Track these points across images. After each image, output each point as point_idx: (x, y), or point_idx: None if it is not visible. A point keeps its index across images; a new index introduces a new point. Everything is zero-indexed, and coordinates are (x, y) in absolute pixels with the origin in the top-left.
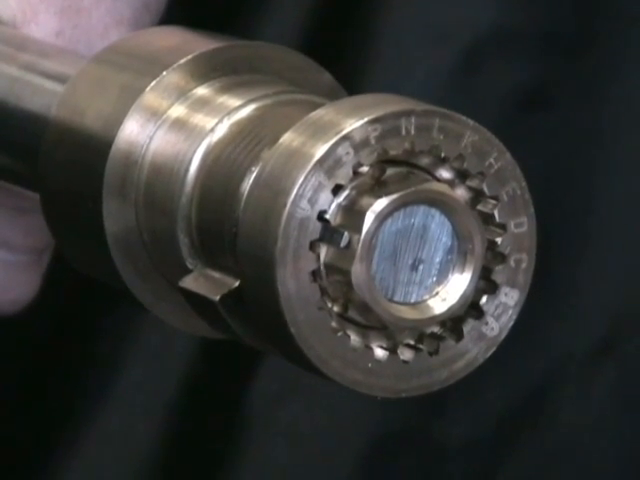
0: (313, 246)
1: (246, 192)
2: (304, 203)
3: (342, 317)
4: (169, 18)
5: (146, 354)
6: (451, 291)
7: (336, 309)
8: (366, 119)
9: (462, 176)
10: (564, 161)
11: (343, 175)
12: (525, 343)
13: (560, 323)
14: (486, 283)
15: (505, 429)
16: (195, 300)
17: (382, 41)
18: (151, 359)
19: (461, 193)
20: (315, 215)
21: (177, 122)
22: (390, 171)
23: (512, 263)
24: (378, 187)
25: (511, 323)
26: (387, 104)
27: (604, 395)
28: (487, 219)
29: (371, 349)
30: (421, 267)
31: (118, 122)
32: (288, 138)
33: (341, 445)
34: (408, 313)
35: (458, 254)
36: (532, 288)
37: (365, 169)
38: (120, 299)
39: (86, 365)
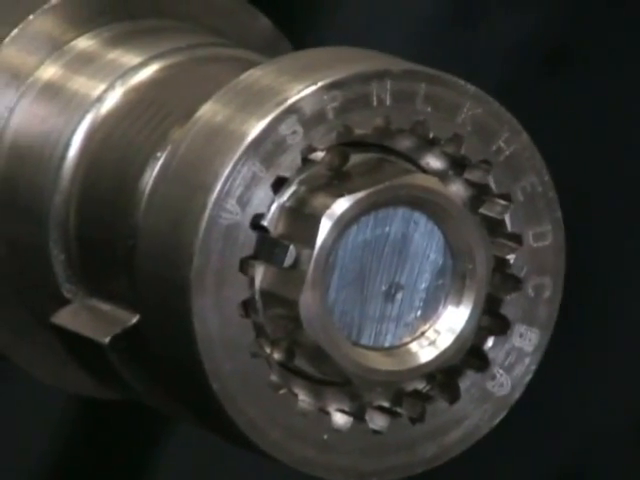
0: (244, 266)
1: (148, 188)
2: (232, 204)
3: (286, 368)
4: None
5: (6, 425)
6: (442, 331)
7: (277, 356)
8: (321, 84)
9: (459, 166)
10: (593, 145)
11: (288, 164)
12: (550, 416)
13: (593, 393)
14: (493, 319)
15: None
16: (74, 343)
17: None
18: (13, 431)
19: (457, 190)
20: (248, 221)
21: (49, 87)
22: (355, 158)
23: (530, 291)
24: (338, 181)
25: (528, 377)
26: (352, 62)
27: None
28: (494, 227)
29: (328, 414)
30: (399, 296)
31: None
32: (208, 111)
33: None
34: (380, 362)
35: (453, 278)
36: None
37: (319, 155)
38: None
39: None
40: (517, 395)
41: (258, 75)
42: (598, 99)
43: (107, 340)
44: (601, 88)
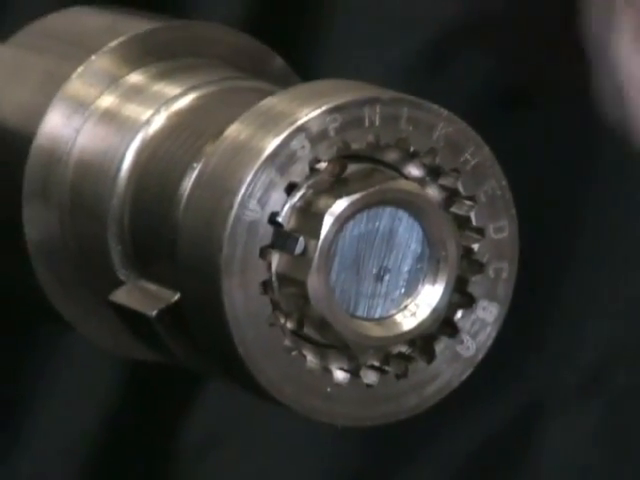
0: (263, 253)
1: (186, 192)
2: (253, 204)
3: (297, 335)
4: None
5: (64, 386)
6: (421, 305)
7: (290, 325)
8: (324, 108)
9: (434, 173)
10: (547, 167)
11: (298, 172)
12: (505, 371)
13: (544, 351)
14: (461, 296)
15: (482, 468)
16: (128, 316)
17: (337, 27)
18: (70, 392)
19: (433, 193)
20: (266, 218)
21: (107, 113)
22: (352, 168)
23: (491, 273)
24: (338, 186)
25: (490, 342)
26: (348, 91)
27: (590, 430)
28: (462, 223)
29: (330, 372)
30: (387, 277)
31: (39, 114)
32: (234, 130)
33: None
34: (372, 330)
35: (429, 262)
36: (513, 305)
37: (323, 165)
38: (36, 331)
39: None
40: (481, 356)
41: (274, 102)
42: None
43: (154, 314)
44: (556, 126)
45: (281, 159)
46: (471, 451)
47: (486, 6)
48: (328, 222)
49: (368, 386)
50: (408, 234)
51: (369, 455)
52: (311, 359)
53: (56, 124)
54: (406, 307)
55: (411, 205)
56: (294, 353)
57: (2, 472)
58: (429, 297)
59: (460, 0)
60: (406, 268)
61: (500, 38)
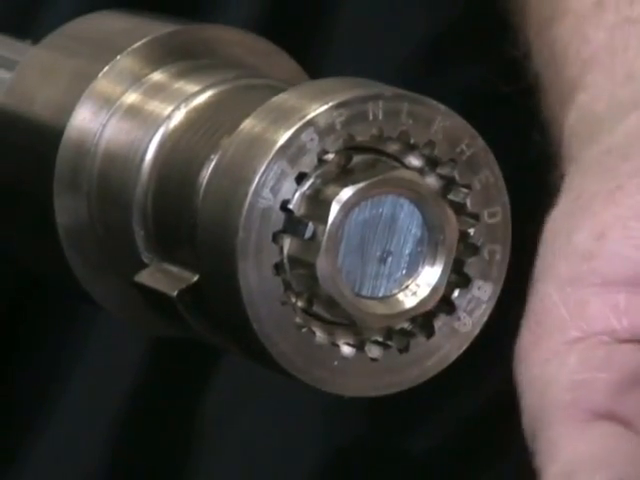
0: (276, 238)
1: (205, 181)
2: (266, 192)
3: (307, 312)
4: (122, 3)
5: (93, 360)
6: (421, 284)
7: (300, 304)
8: (331, 103)
9: (432, 163)
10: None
11: (307, 163)
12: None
13: None
14: (458, 276)
15: (474, 439)
16: (151, 296)
17: (341, 30)
18: (98, 364)
19: (431, 181)
20: (278, 205)
21: (131, 109)
22: (357, 158)
23: (485, 255)
24: (344, 175)
25: (485, 318)
26: (353, 88)
27: None
28: (459, 209)
29: (337, 346)
30: (390, 259)
31: (69, 110)
32: (249, 124)
33: (293, 461)
34: (376, 308)
35: (429, 246)
36: (506, 285)
37: (330, 156)
38: (62, 306)
39: (27, 375)
40: (476, 331)
41: (285, 98)
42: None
43: (175, 293)
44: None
45: (292, 151)
46: (470, 416)
47: (481, 7)
48: (335, 209)
49: (372, 360)
50: (409, 219)
51: (371, 423)
52: (320, 335)
53: (84, 119)
54: (407, 287)
55: (412, 193)
56: (304, 329)
57: (30, 438)
58: (429, 277)
59: (456, 1)
60: (407, 251)
61: (492, 39)
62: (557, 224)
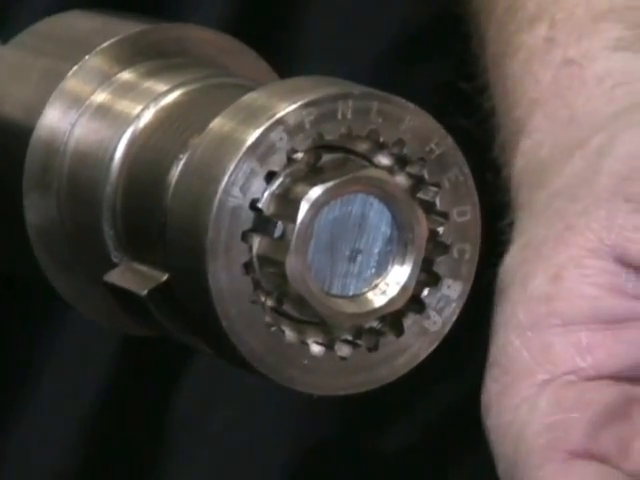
0: (245, 236)
1: (174, 180)
2: (236, 191)
3: (276, 311)
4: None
5: (63, 359)
6: (391, 283)
7: (270, 303)
8: (300, 102)
9: (402, 162)
10: None
11: (277, 162)
12: (467, 343)
13: None
14: (428, 275)
15: (445, 437)
16: (121, 295)
17: (310, 28)
18: (69, 364)
19: (401, 180)
20: (247, 204)
21: (101, 108)
22: (326, 157)
23: (455, 254)
24: (313, 174)
25: (454, 317)
26: (323, 87)
27: None
28: (428, 207)
29: (307, 345)
30: (359, 258)
31: (39, 109)
32: (218, 123)
33: (265, 457)
34: (346, 307)
35: (398, 244)
36: (475, 285)
37: (300, 155)
38: (32, 306)
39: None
40: (446, 330)
41: (255, 97)
42: None
43: (145, 293)
44: None
45: (261, 150)
46: (442, 415)
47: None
48: (304, 208)
49: (342, 358)
50: (378, 218)
51: (341, 422)
52: (289, 333)
53: (54, 118)
54: (377, 286)
55: (381, 191)
56: (273, 328)
57: (1, 438)
58: (398, 276)
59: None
60: (377, 250)
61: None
62: (511, 271)
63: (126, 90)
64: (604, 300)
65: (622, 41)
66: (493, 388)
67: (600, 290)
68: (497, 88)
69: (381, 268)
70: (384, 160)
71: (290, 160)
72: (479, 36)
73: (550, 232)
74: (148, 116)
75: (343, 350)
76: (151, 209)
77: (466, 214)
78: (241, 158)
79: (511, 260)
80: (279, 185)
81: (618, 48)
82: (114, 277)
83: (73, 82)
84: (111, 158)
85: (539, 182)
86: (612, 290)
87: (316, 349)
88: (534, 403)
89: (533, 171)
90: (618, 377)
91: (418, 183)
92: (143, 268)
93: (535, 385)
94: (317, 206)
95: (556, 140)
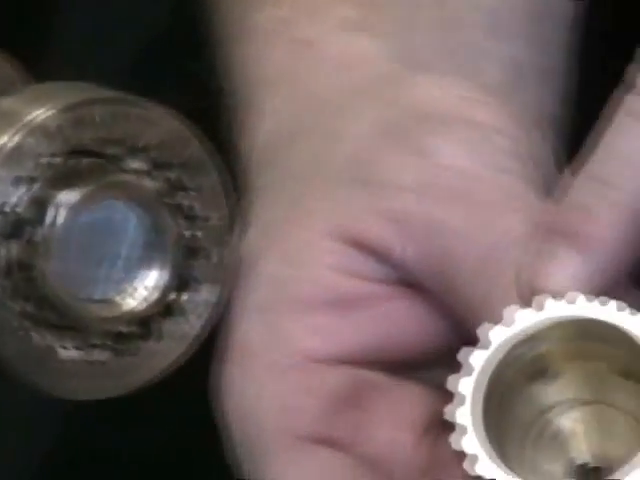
0: None
1: None
2: None
3: (28, 316)
4: None
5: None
6: (141, 287)
7: (20, 307)
8: (55, 107)
9: (157, 166)
10: None
11: (29, 167)
12: None
13: None
14: (184, 279)
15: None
16: None
17: (66, 29)
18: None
19: (153, 184)
20: None
21: None
22: (79, 162)
23: (208, 257)
24: (66, 179)
25: (212, 320)
26: (78, 92)
27: None
28: (181, 212)
29: (60, 349)
30: (110, 263)
31: None
32: None
33: (22, 448)
34: (96, 311)
35: (149, 249)
36: None
37: (53, 160)
38: None
39: None
40: (205, 333)
41: (10, 101)
42: None
43: None
44: None
45: (13, 154)
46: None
47: None
48: (55, 212)
49: (98, 363)
50: (130, 223)
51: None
52: (41, 338)
53: None
54: (126, 290)
55: (133, 196)
56: (24, 333)
57: None
58: (148, 280)
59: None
60: (128, 254)
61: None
62: (248, 255)
63: None
64: (340, 283)
65: (347, 21)
66: (230, 370)
67: (336, 273)
68: (234, 70)
69: (131, 273)
70: (139, 165)
71: (42, 165)
72: (216, 19)
73: (288, 214)
74: None
75: (98, 355)
76: None
77: (218, 218)
78: None
79: (249, 242)
80: (31, 189)
81: (345, 28)
82: None
83: None
84: None
85: (275, 164)
86: (348, 274)
87: (70, 354)
88: (266, 386)
89: (271, 152)
90: (352, 361)
91: (172, 188)
92: None
93: (269, 368)
94: (68, 210)
95: (292, 121)
